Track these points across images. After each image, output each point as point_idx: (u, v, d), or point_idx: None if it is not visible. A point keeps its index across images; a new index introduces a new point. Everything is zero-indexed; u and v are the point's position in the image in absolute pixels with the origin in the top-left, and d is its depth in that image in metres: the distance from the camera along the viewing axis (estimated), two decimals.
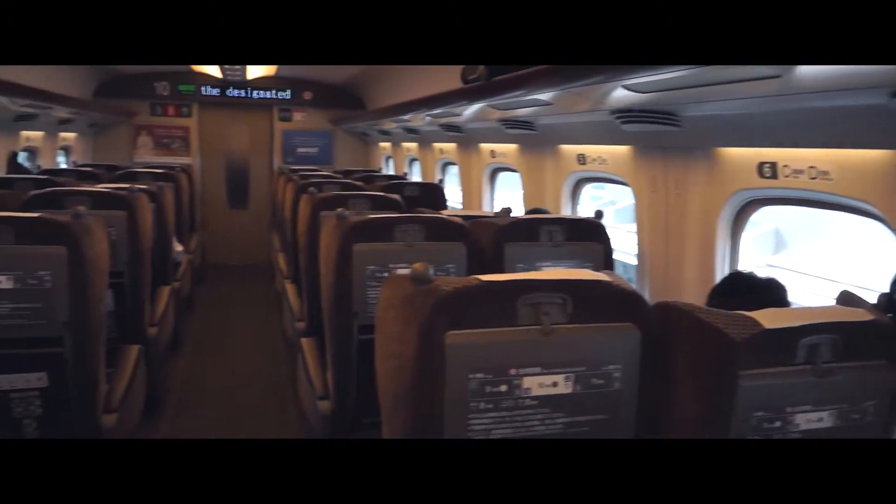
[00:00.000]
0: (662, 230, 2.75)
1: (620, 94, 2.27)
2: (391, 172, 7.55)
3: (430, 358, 1.31)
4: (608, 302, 1.43)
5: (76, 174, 5.18)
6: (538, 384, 1.38)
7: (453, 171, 6.33)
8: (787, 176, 2.17)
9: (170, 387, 4.26)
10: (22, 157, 5.50)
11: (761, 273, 2.04)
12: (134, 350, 3.04)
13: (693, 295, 2.56)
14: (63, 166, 6.84)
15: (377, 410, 2.59)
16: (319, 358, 2.99)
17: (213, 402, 4.13)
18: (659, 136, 2.52)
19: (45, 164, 6.25)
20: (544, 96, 2.70)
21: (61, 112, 5.52)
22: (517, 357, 1.36)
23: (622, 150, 2.98)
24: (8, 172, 5.16)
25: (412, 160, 7.11)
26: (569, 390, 1.40)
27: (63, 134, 6.79)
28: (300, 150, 8.70)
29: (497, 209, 4.19)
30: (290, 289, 4.35)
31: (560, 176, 3.63)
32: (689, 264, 2.63)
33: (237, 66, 6.98)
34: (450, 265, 2.50)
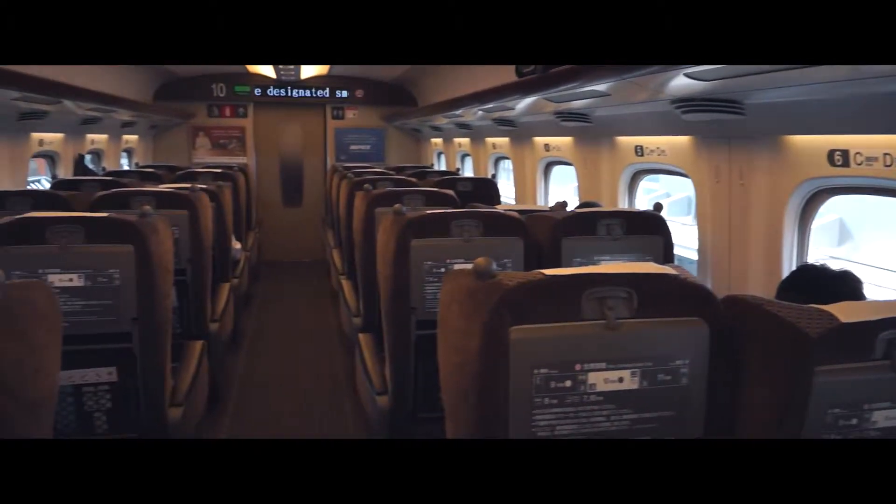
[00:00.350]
0: (725, 222, 2.67)
1: (681, 83, 2.21)
2: (443, 168, 7.55)
3: (495, 353, 1.30)
4: (675, 296, 1.39)
5: (139, 175, 5.33)
6: (603, 380, 1.36)
7: (504, 165, 6.30)
8: (859, 164, 2.08)
9: (230, 381, 4.36)
10: (88, 160, 5.69)
11: (833, 265, 1.96)
12: (198, 345, 3.11)
13: (758, 288, 2.49)
14: (125, 167, 7.06)
15: (435, 406, 2.62)
16: (377, 353, 3.01)
17: (271, 396, 4.20)
18: (722, 125, 2.45)
19: (109, 165, 6.46)
20: (601, 87, 2.65)
21: (124, 115, 5.69)
22: (582, 352, 1.34)
23: (682, 140, 2.91)
24: (75, 174, 5.35)
25: (464, 156, 7.10)
26: (635, 386, 1.37)
27: (126, 136, 7.01)
28: (352, 147, 8.78)
29: (551, 203, 4.16)
30: (345, 285, 4.40)
31: (617, 168, 3.57)
32: (755, 257, 2.55)
33: (291, 66, 7.08)
34: (507, 260, 2.49)
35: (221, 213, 4.28)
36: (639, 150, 3.32)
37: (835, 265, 1.95)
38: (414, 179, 4.90)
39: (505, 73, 3.48)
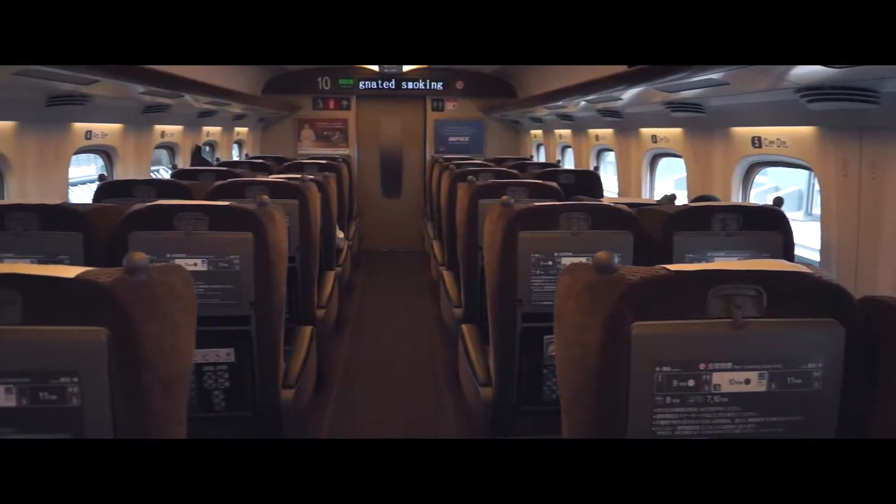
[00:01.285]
0: (853, 218, 2.51)
1: (808, 70, 2.09)
2: (542, 160, 7.48)
3: (615, 349, 1.28)
4: (808, 296, 1.32)
5: (250, 165, 5.56)
6: (729, 380, 1.31)
7: (606, 158, 6.17)
8: None
9: (333, 366, 4.48)
10: (204, 151, 5.99)
11: None
12: (308, 330, 3.21)
13: (890, 289, 2.33)
14: (235, 158, 7.38)
15: (539, 398, 2.61)
16: (480, 344, 3.02)
17: (373, 382, 4.30)
18: (853, 114, 2.30)
19: (222, 156, 6.77)
20: (718, 76, 2.54)
21: (236, 108, 5.94)
22: (707, 351, 1.29)
23: (805, 131, 2.76)
24: (192, 164, 5.64)
25: (565, 147, 7.00)
26: (762, 388, 1.31)
27: (237, 129, 7.33)
28: (451, 139, 8.83)
29: (657, 197, 4.04)
30: (446, 276, 4.43)
31: (731, 160, 3.42)
32: (887, 256, 2.39)
33: None
34: (616, 254, 2.43)
35: (327, 202, 4.40)
36: (756, 142, 3.17)
37: None
38: (515, 171, 4.87)
39: (607, 65, 3.41)
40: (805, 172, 7.77)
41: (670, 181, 6.08)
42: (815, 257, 2.84)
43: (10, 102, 3.13)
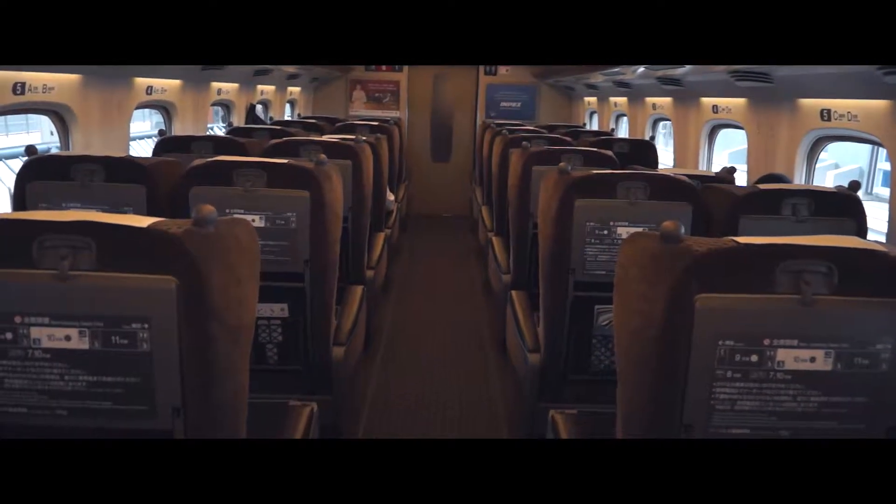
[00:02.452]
0: None
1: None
2: (595, 128, 7.35)
3: (678, 320, 1.26)
4: (880, 274, 1.28)
5: (302, 125, 5.59)
6: (793, 358, 1.28)
7: (661, 128, 6.03)
8: None
9: (380, 327, 4.54)
10: (258, 110, 6.04)
11: None
12: (358, 290, 3.25)
13: None
14: (287, 118, 7.44)
15: (587, 367, 2.60)
16: (529, 311, 3.02)
17: (419, 344, 4.35)
18: None
19: (275, 115, 6.83)
20: None
21: (290, 68, 5.96)
22: (773, 327, 1.26)
23: (878, 104, 2.64)
24: (247, 122, 5.70)
25: (619, 115, 6.87)
26: (828, 368, 1.29)
27: (290, 88, 7.36)
28: (503, 104, 8.74)
29: (715, 169, 3.94)
30: (495, 241, 4.42)
31: (797, 134, 3.31)
32: None
33: None
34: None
35: (379, 164, 4.40)
36: (825, 115, 3.05)
37: None
38: (569, 138, 4.80)
39: None
40: (866, 149, 7.48)
41: (724, 154, 5.92)
42: (876, 237, 2.73)
43: None
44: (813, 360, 1.28)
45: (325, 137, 3.92)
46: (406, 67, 8.60)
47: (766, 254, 1.26)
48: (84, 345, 1.25)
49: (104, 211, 2.38)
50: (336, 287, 2.61)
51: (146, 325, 1.24)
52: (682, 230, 1.31)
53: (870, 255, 1.29)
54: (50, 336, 1.24)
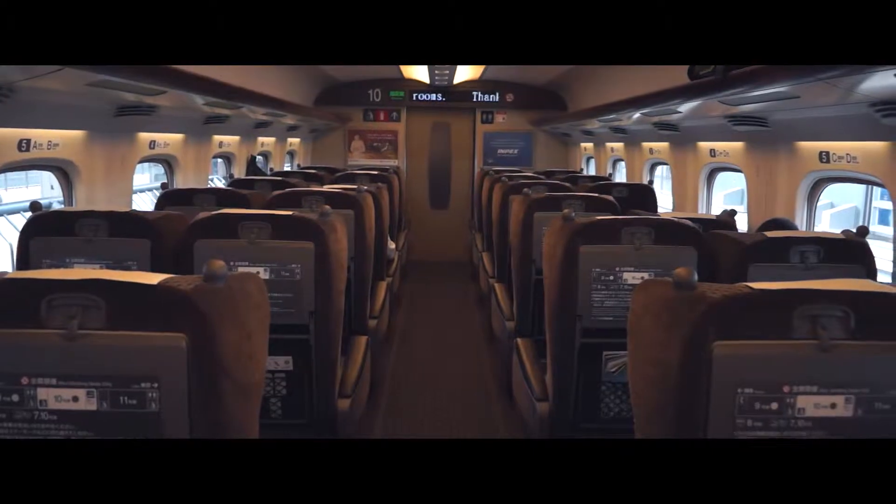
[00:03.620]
0: None
1: (887, 83, 2.02)
2: (592, 173, 7.41)
3: (696, 368, 1.24)
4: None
5: (303, 175, 5.63)
6: (813, 404, 1.26)
7: (658, 172, 6.08)
8: None
9: (383, 377, 4.49)
10: (259, 161, 6.09)
11: None
12: (362, 340, 3.23)
13: None
14: (287, 168, 7.50)
15: (596, 415, 2.56)
16: (537, 359, 2.99)
17: (424, 394, 4.29)
18: None
19: (275, 166, 6.88)
20: (787, 88, 2.48)
21: (290, 119, 6.03)
22: (792, 373, 1.25)
23: (878, 146, 2.67)
24: (247, 174, 5.74)
25: (616, 160, 6.93)
26: (848, 413, 1.26)
27: (289, 139, 7.44)
28: (500, 151, 8.82)
29: (714, 212, 3.96)
30: (498, 288, 4.41)
31: (796, 176, 3.33)
32: None
33: (446, 71, 7.21)
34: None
35: (380, 213, 4.42)
36: (824, 157, 3.08)
37: None
38: (567, 184, 4.83)
39: (660, 77, 3.35)
40: (861, 188, 7.53)
41: (719, 195, 5.96)
42: (882, 278, 2.72)
43: (81, 112, 3.23)
44: (833, 406, 1.26)
45: (326, 187, 3.95)
46: (404, 117, 8.71)
47: (783, 299, 1.25)
48: (92, 406, 1.22)
49: (108, 266, 2.37)
50: (341, 339, 2.59)
51: (156, 385, 1.21)
52: (696, 276, 1.30)
53: (885, 298, 1.28)
54: (57, 397, 1.22)
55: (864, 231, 2.29)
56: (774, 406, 1.25)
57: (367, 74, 8.17)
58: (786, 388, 1.25)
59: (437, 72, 7.36)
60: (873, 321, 1.26)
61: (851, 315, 1.25)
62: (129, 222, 2.41)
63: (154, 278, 1.28)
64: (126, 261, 2.38)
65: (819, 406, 1.26)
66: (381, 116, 8.72)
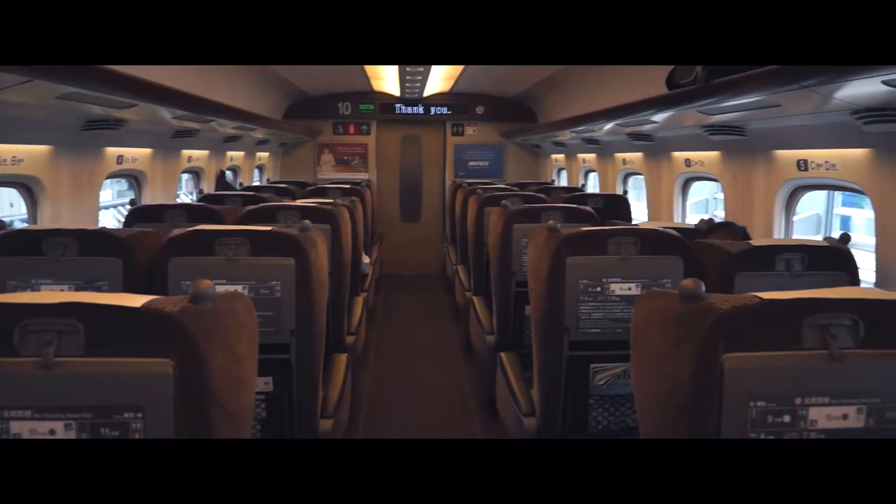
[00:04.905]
0: None
1: (867, 91, 2.03)
2: (563, 184, 7.43)
3: (706, 383, 1.20)
4: None
5: (274, 190, 5.53)
6: (825, 416, 1.23)
7: (632, 182, 6.11)
8: None
9: (361, 395, 4.40)
10: (228, 176, 5.98)
11: None
12: (343, 358, 3.15)
13: None
14: (256, 183, 7.38)
15: (584, 429, 2.51)
16: (521, 373, 2.94)
17: (405, 412, 4.21)
18: None
19: (244, 181, 6.76)
20: (767, 97, 2.48)
21: (259, 133, 5.94)
22: (802, 384, 1.21)
23: (857, 153, 2.68)
24: (216, 189, 5.62)
25: (588, 171, 6.95)
26: (860, 424, 1.24)
27: (258, 153, 7.33)
28: (471, 163, 8.81)
29: (689, 221, 3.97)
30: (476, 302, 4.35)
31: (773, 184, 3.35)
32: None
33: (416, 82, 7.16)
34: (666, 280, 2.37)
35: (355, 227, 4.35)
36: (802, 165, 3.09)
37: None
38: (542, 196, 4.82)
39: (637, 87, 3.36)
40: (822, 195, 7.66)
41: (688, 204, 6.02)
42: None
43: (47, 126, 3.11)
44: (846, 417, 1.23)
45: (300, 202, 3.86)
46: (374, 130, 8.66)
47: (793, 309, 1.22)
48: (70, 438, 1.14)
49: (78, 287, 2.26)
50: (323, 357, 2.52)
51: (139, 415, 1.13)
52: (703, 288, 1.27)
53: (894, 305, 1.26)
54: (32, 430, 1.13)
55: (846, 238, 2.30)
56: (787, 419, 1.22)
57: (336, 87, 8.10)
58: (797, 400, 1.21)
59: (407, 84, 7.33)
60: (882, 329, 1.23)
61: (861, 323, 1.23)
62: (100, 240, 2.31)
63: (136, 300, 1.20)
64: (96, 281, 2.28)
65: (831, 417, 1.23)
66: (351, 130, 8.65)
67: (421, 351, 5.55)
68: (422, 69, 6.29)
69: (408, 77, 6.79)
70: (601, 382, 2.49)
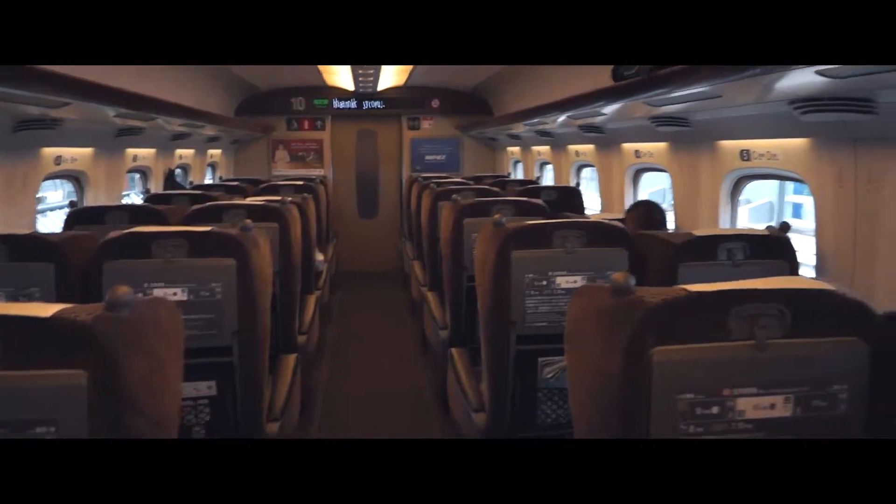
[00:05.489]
0: (849, 229, 2.48)
1: (803, 81, 2.06)
2: (520, 177, 7.45)
3: (636, 376, 1.20)
4: (830, 313, 1.26)
5: (224, 188, 5.43)
6: (753, 406, 1.24)
7: (586, 174, 6.15)
8: None
9: (315, 394, 4.36)
10: (177, 174, 5.85)
11: None
12: (291, 359, 3.10)
13: (889, 301, 2.28)
14: (209, 181, 7.24)
15: (534, 422, 2.52)
16: (471, 368, 2.93)
17: (358, 410, 4.18)
18: (849, 125, 2.27)
19: (195, 179, 6.63)
20: (709, 88, 2.50)
21: (210, 130, 5.82)
22: (730, 375, 1.22)
23: (797, 143, 2.73)
24: (165, 188, 5.50)
25: (543, 164, 6.98)
26: (788, 413, 1.25)
27: (210, 151, 7.19)
28: (428, 157, 8.78)
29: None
30: (430, 297, 4.34)
31: (717, 175, 3.39)
32: (885, 266, 2.35)
33: (370, 77, 7.09)
34: (611, 272, 2.38)
35: (307, 225, 4.29)
36: (745, 155, 3.14)
37: None
38: (496, 189, 4.82)
39: (587, 79, 3.36)
40: (774, 184, 7.82)
41: (644, 195, 6.09)
42: (805, 271, 2.78)
43: None
44: (773, 406, 1.24)
45: (249, 200, 3.79)
46: (328, 125, 8.57)
47: (719, 300, 1.23)
48: None
49: (8, 295, 2.18)
50: (268, 358, 2.47)
51: (52, 429, 1.09)
52: (634, 281, 1.27)
53: (820, 295, 1.28)
54: None
55: (786, 227, 2.35)
56: (715, 410, 1.22)
57: (289, 83, 7.99)
58: (726, 392, 1.22)
59: (360, 78, 7.25)
60: (808, 318, 1.24)
61: (787, 313, 1.24)
62: (31, 245, 2.23)
63: (49, 309, 1.15)
64: (28, 287, 2.20)
65: (759, 407, 1.24)
66: (306, 125, 8.55)
67: (377, 348, 5.52)
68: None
69: (360, 72, 6.73)
70: (549, 375, 2.50)
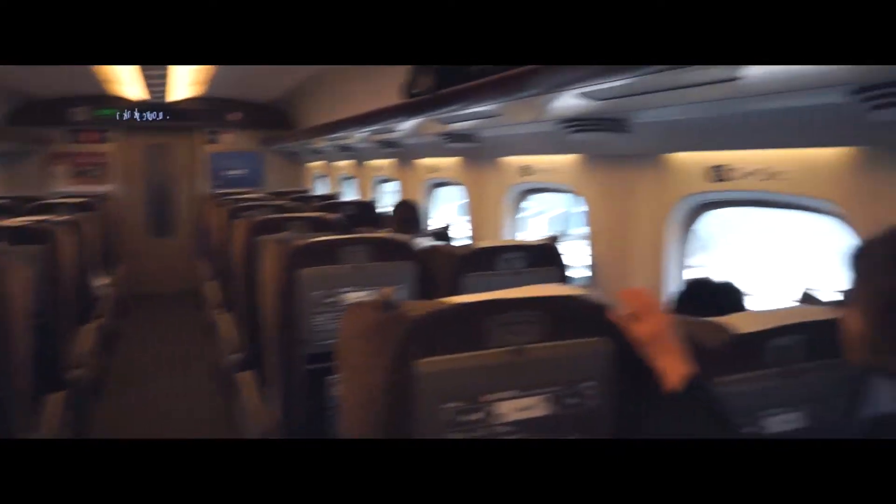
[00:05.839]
0: (616, 237, 2.72)
1: (570, 103, 2.22)
2: (325, 192, 7.38)
3: (402, 389, 1.21)
4: (581, 316, 1.36)
5: None
6: (513, 409, 1.30)
7: (391, 187, 6.24)
8: (737, 178, 2.16)
9: (97, 431, 3.98)
10: None
11: (715, 278, 2.02)
12: (59, 397, 2.79)
13: None
14: None
15: None
16: (260, 391, 2.82)
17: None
18: (608, 144, 2.49)
19: None
20: (491, 107, 2.63)
21: None
22: (490, 382, 1.27)
23: (570, 158, 2.95)
24: None
25: (345, 178, 6.97)
26: (544, 412, 1.32)
27: None
28: (229, 172, 8.42)
29: (437, 224, 4.13)
30: (221, 319, 4.13)
31: (501, 188, 3.58)
32: (639, 269, 2.61)
33: (159, 85, 6.63)
34: (401, 285, 2.40)
35: (83, 246, 3.93)
36: (525, 170, 3.34)
37: (719, 277, 2.01)
38: (297, 205, 4.73)
39: (387, 95, 3.41)
40: (568, 196, 8.43)
41: (454, 206, 6.30)
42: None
43: None
44: (532, 407, 1.31)
45: (10, 221, 3.39)
46: (117, 137, 7.92)
47: (477, 310, 1.27)
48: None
49: None
50: (26, 400, 2.20)
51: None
52: (404, 294, 1.28)
53: (571, 300, 1.37)
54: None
55: (554, 238, 2.53)
56: (476, 416, 1.26)
57: (69, 91, 7.27)
58: (487, 398, 1.26)
59: (150, 87, 6.75)
60: (560, 323, 1.32)
61: (541, 319, 1.31)
62: None
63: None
64: None
65: (518, 409, 1.29)
66: (89, 138, 7.84)
67: (168, 375, 5.17)
68: (161, 70, 5.80)
69: (148, 79, 6.27)
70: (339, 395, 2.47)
